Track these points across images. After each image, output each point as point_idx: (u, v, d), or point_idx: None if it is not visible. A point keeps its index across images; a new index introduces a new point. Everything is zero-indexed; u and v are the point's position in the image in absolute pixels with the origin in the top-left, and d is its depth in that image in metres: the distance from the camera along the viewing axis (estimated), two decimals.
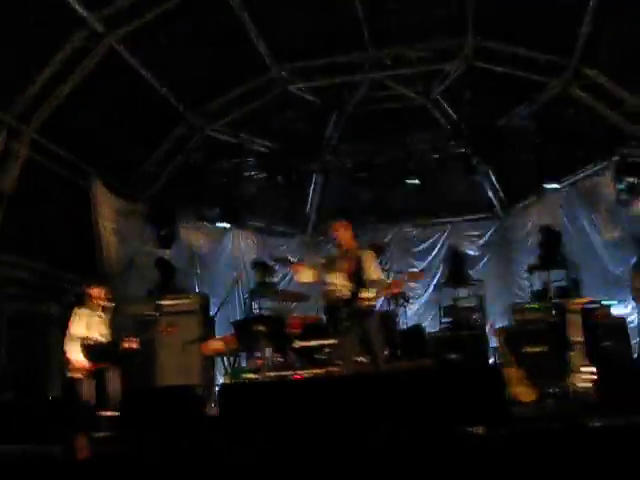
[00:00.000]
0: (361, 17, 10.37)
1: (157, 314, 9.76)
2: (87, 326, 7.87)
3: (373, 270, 7.17)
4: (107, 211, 11.17)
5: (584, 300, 9.01)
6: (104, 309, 7.92)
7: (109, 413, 7.33)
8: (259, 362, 8.99)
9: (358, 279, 7.01)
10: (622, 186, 11.19)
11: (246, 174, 12.58)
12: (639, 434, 4.46)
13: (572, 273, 11.73)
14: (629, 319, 10.06)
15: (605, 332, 9.37)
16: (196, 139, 12.34)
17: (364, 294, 6.89)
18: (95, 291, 7.91)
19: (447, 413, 5.12)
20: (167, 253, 12.22)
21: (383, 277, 7.35)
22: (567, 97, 11.15)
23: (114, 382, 7.71)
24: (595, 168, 12.14)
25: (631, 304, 9.73)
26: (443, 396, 5.25)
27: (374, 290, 7.00)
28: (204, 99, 11.93)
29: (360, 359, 6.80)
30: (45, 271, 10.16)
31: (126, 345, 7.68)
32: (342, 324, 6.93)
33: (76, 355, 7.72)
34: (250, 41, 10.62)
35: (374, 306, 7.03)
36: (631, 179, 11.04)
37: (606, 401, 5.94)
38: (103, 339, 7.83)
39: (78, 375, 7.68)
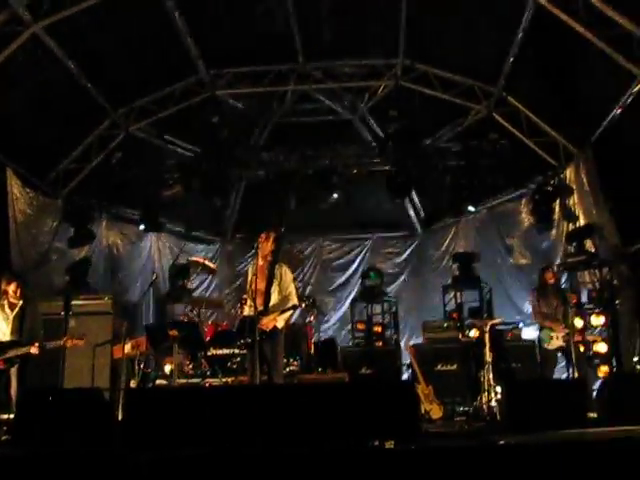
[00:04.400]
0: (294, 28, 10.42)
1: (69, 313, 9.44)
2: None
3: (286, 286, 7.25)
4: (22, 205, 10.78)
5: (495, 321, 9.24)
6: (14, 306, 7.60)
7: (5, 416, 7.03)
8: (170, 368, 8.82)
9: (267, 298, 7.10)
10: (536, 214, 11.59)
11: (167, 176, 12.34)
12: (542, 452, 4.56)
13: (484, 294, 12.05)
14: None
15: (515, 353, 9.63)
16: (119, 138, 12.06)
17: (266, 319, 6.96)
18: (12, 287, 7.58)
19: (357, 427, 5.11)
20: (83, 252, 11.87)
21: (295, 293, 7.36)
22: (490, 123, 11.49)
23: (13, 383, 7.39)
24: (512, 194, 12.55)
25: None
26: (354, 410, 5.24)
27: (277, 313, 7.05)
28: (130, 97, 11.71)
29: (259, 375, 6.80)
30: None
31: (29, 350, 7.35)
32: (246, 340, 7.04)
33: None
34: (181, 42, 10.51)
35: (275, 328, 7.04)
36: (545, 207, 11.44)
37: (511, 419, 6.07)
38: (6, 338, 7.49)
39: None
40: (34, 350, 7.34)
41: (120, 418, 5.97)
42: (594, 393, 8.29)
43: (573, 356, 8.10)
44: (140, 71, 11.03)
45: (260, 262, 7.22)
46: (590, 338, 9.71)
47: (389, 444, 4.82)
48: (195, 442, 5.06)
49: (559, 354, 8.73)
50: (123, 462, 4.69)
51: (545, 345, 8.74)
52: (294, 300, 7.30)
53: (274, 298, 7.17)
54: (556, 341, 8.56)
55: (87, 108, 11.15)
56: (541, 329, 8.91)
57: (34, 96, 10.02)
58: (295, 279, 8.10)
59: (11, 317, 7.55)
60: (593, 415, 6.50)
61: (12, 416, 6.74)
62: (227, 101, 12.21)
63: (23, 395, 6.94)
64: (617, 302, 9.92)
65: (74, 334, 7.81)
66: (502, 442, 5.02)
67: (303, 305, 7.44)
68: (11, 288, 7.57)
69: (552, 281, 9.01)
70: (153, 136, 12.42)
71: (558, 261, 11.14)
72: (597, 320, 9.79)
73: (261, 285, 7.13)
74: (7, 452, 5.53)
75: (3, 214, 10.46)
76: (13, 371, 7.42)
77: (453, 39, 10.40)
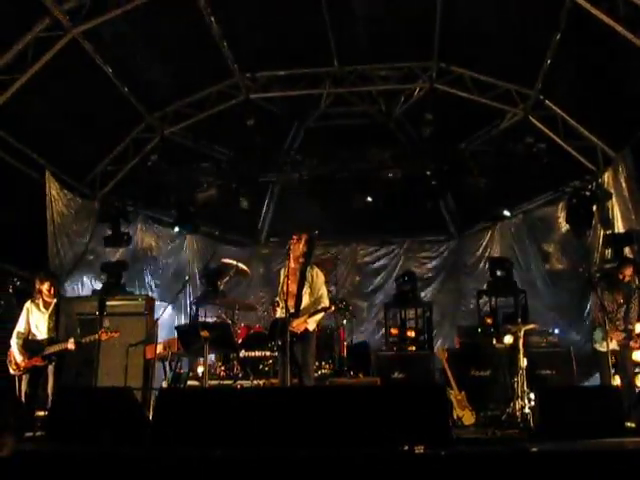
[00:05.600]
0: (329, 32, 10.42)
1: (103, 313, 9.58)
2: (30, 322, 7.69)
3: (317, 288, 7.24)
4: (60, 207, 10.99)
5: (530, 327, 9.06)
6: (48, 305, 7.71)
7: (42, 412, 7.14)
8: (202, 369, 8.85)
9: (299, 300, 7.09)
10: (573, 219, 11.40)
11: (202, 179, 12.43)
12: (576, 460, 4.47)
13: (519, 300, 11.87)
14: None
15: (549, 359, 9.46)
16: (155, 141, 12.19)
17: (297, 322, 6.95)
18: (46, 286, 7.71)
19: (388, 431, 5.07)
20: (118, 253, 12.02)
21: (326, 296, 7.35)
22: (527, 126, 11.34)
23: (50, 381, 7.51)
24: (548, 199, 12.37)
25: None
26: (385, 414, 5.20)
27: (307, 315, 7.03)
28: (165, 101, 11.83)
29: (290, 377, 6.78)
30: None
31: (65, 346, 7.47)
32: (277, 342, 7.01)
33: (15, 351, 7.55)
34: (216, 46, 10.57)
35: (307, 330, 7.02)
36: (583, 212, 11.25)
37: (544, 427, 5.97)
38: (43, 336, 7.62)
39: (16, 372, 7.50)
40: (71, 346, 7.45)
41: (151, 418, 5.99)
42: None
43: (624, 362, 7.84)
44: (175, 75, 11.18)
45: (292, 264, 7.22)
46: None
47: (419, 449, 4.76)
48: (225, 443, 5.07)
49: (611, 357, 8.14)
50: (153, 461, 4.72)
51: (596, 345, 8.34)
52: (325, 302, 7.28)
53: (306, 300, 7.15)
54: (610, 343, 7.99)
55: (123, 112, 11.31)
56: (595, 327, 8.48)
57: (72, 100, 10.17)
58: (327, 282, 8.06)
59: (47, 315, 7.67)
60: (631, 425, 6.36)
61: (43, 413, 6.86)
62: (262, 104, 12.24)
63: (58, 393, 7.07)
64: None
65: (109, 328, 7.90)
66: (534, 449, 4.92)
67: (333, 308, 7.39)
68: (45, 287, 7.68)
69: (629, 279, 8.35)
70: (188, 139, 12.52)
71: (594, 268, 10.92)
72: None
73: (293, 287, 7.11)
74: (41, 448, 5.62)
75: (42, 216, 10.65)
76: (50, 369, 7.54)
77: (489, 41, 10.27)
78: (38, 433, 6.49)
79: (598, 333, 8.32)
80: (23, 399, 7.36)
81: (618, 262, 8.87)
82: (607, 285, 8.44)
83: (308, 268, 7.26)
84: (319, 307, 7.15)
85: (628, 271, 8.36)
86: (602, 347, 8.21)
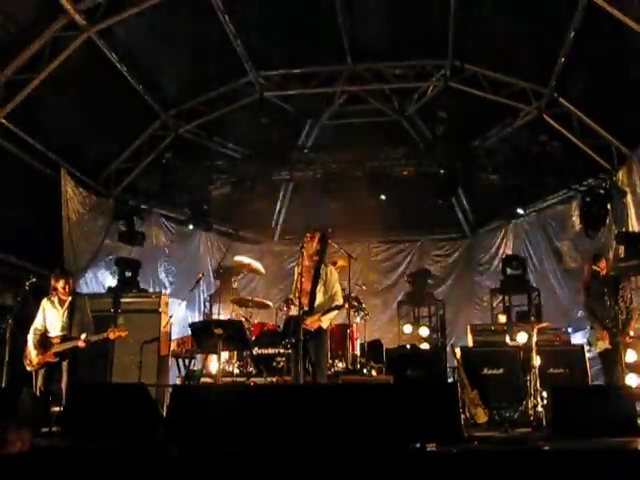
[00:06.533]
0: (342, 30, 10.44)
1: (118, 310, 9.66)
2: (46, 318, 7.77)
3: (331, 286, 7.25)
4: (75, 205, 11.08)
5: (544, 325, 9.02)
6: (63, 303, 7.80)
7: (57, 408, 7.22)
8: (215, 366, 8.90)
9: (312, 297, 7.11)
10: (587, 217, 11.36)
11: (216, 177, 12.49)
12: (588, 459, 4.48)
13: (533, 298, 11.85)
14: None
15: (563, 358, 9.41)
16: (169, 138, 12.26)
17: (310, 319, 6.97)
18: (61, 283, 7.79)
19: (400, 428, 5.09)
20: (133, 251, 12.11)
21: (340, 293, 7.38)
22: (541, 124, 11.30)
23: (65, 377, 7.59)
24: (562, 197, 12.33)
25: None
26: (397, 411, 5.22)
27: (321, 313, 7.05)
28: (179, 99, 11.89)
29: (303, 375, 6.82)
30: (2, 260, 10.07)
31: (75, 344, 7.54)
32: (290, 340, 7.02)
33: (30, 347, 7.65)
34: (230, 45, 10.61)
35: (320, 328, 7.05)
36: (597, 210, 11.20)
37: (557, 425, 5.96)
38: (58, 333, 7.69)
39: (31, 367, 7.59)
40: (81, 344, 7.53)
41: (165, 414, 6.05)
42: None
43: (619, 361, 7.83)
44: (190, 73, 11.23)
45: (306, 262, 7.25)
46: None
47: (431, 447, 4.79)
48: (238, 440, 5.10)
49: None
50: (166, 457, 4.77)
51: (593, 348, 8.36)
52: (339, 300, 7.31)
53: (319, 298, 7.17)
54: (602, 344, 8.08)
55: (138, 110, 11.39)
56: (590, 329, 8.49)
57: (87, 98, 10.25)
58: (341, 280, 8.08)
59: (61, 312, 7.75)
60: None
61: (58, 408, 6.93)
62: (276, 102, 12.27)
63: (72, 389, 7.14)
64: None
65: (118, 326, 7.98)
66: (547, 448, 4.93)
67: (347, 305, 7.40)
68: (60, 285, 7.76)
69: (604, 272, 8.40)
70: (202, 137, 12.57)
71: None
72: None
73: (306, 285, 7.14)
74: (55, 443, 5.68)
75: (57, 213, 10.75)
76: (65, 365, 7.62)
77: (503, 39, 10.25)
78: (54, 428, 6.58)
79: (593, 334, 8.35)
80: (38, 394, 7.44)
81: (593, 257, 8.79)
82: (591, 288, 8.41)
83: (322, 266, 7.29)
84: (333, 305, 7.18)
85: (602, 264, 8.39)
86: (597, 348, 8.22)
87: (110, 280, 11.65)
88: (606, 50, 9.43)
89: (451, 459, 4.58)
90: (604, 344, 8.06)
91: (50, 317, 7.77)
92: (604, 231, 11.18)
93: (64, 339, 7.60)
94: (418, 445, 4.85)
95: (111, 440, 5.20)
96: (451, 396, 5.46)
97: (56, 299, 7.80)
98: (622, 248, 10.51)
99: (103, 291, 11.23)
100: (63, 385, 7.56)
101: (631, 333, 8.10)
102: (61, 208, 10.81)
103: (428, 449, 4.79)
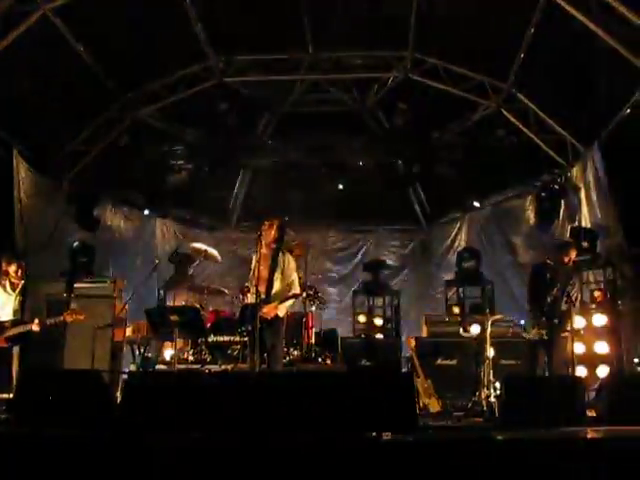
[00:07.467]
0: (305, 17, 10.39)
1: (71, 295, 9.48)
2: None
3: (288, 274, 7.28)
4: (27, 187, 10.78)
5: (497, 317, 9.15)
6: (15, 287, 7.64)
7: (5, 395, 7.08)
8: (170, 353, 8.84)
9: (270, 285, 7.12)
10: (541, 212, 11.55)
11: (174, 162, 12.33)
12: (538, 448, 4.56)
13: (486, 291, 12.03)
14: None
15: (515, 350, 9.55)
16: (126, 122, 12.04)
17: (267, 307, 6.98)
18: (13, 267, 7.63)
19: (355, 417, 5.11)
20: (88, 235, 11.88)
21: (297, 282, 7.40)
22: (499, 119, 11.45)
23: (15, 363, 7.45)
24: (518, 192, 12.51)
25: None
26: (352, 400, 5.23)
27: (278, 301, 7.08)
28: (138, 82, 11.68)
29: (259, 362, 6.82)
30: None
31: (30, 327, 7.41)
32: (246, 327, 7.09)
33: None
34: (191, 28, 10.47)
35: (277, 316, 7.07)
36: (550, 205, 11.40)
37: (509, 416, 6.07)
38: (9, 317, 7.54)
39: None
40: (35, 327, 7.41)
41: (118, 401, 5.97)
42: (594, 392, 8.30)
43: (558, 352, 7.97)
44: (149, 56, 10.98)
45: (264, 250, 7.22)
46: (591, 338, 9.64)
47: (386, 435, 4.82)
48: (191, 427, 5.07)
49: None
50: (119, 445, 4.71)
51: (526, 334, 8.29)
52: (296, 289, 7.33)
53: (277, 286, 7.19)
54: (534, 331, 8.08)
55: (95, 91, 11.12)
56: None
57: (42, 78, 9.99)
58: (298, 268, 8.09)
59: (13, 297, 7.60)
60: (592, 414, 6.50)
61: (7, 395, 6.80)
62: (236, 88, 12.16)
63: (23, 375, 6.99)
64: (619, 303, 9.86)
65: (75, 310, 7.86)
66: (499, 437, 5.01)
67: (304, 294, 7.41)
68: (12, 269, 7.63)
69: (571, 263, 8.36)
70: (160, 121, 12.39)
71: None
72: (600, 320, 9.72)
73: (264, 273, 7.13)
74: (5, 431, 5.56)
75: (8, 195, 10.48)
76: (16, 350, 7.48)
77: (464, 33, 10.32)
78: (3, 416, 6.44)
79: (528, 321, 8.35)
80: None
81: (561, 244, 8.93)
82: (546, 272, 8.30)
83: (280, 254, 7.30)
84: (290, 293, 7.20)
85: (573, 254, 8.37)
86: (530, 335, 8.18)
87: (64, 265, 11.41)
88: (564, 48, 9.59)
89: (406, 448, 4.62)
90: (537, 332, 8.05)
91: (1, 302, 7.62)
92: (557, 226, 11.38)
93: (15, 323, 7.45)
94: (373, 434, 4.88)
95: (63, 427, 5.12)
96: (407, 386, 5.49)
97: (7, 283, 7.65)
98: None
99: (56, 276, 11.00)
100: (14, 371, 7.42)
101: (568, 327, 8.18)
102: (12, 190, 10.54)
103: (383, 438, 4.82)
